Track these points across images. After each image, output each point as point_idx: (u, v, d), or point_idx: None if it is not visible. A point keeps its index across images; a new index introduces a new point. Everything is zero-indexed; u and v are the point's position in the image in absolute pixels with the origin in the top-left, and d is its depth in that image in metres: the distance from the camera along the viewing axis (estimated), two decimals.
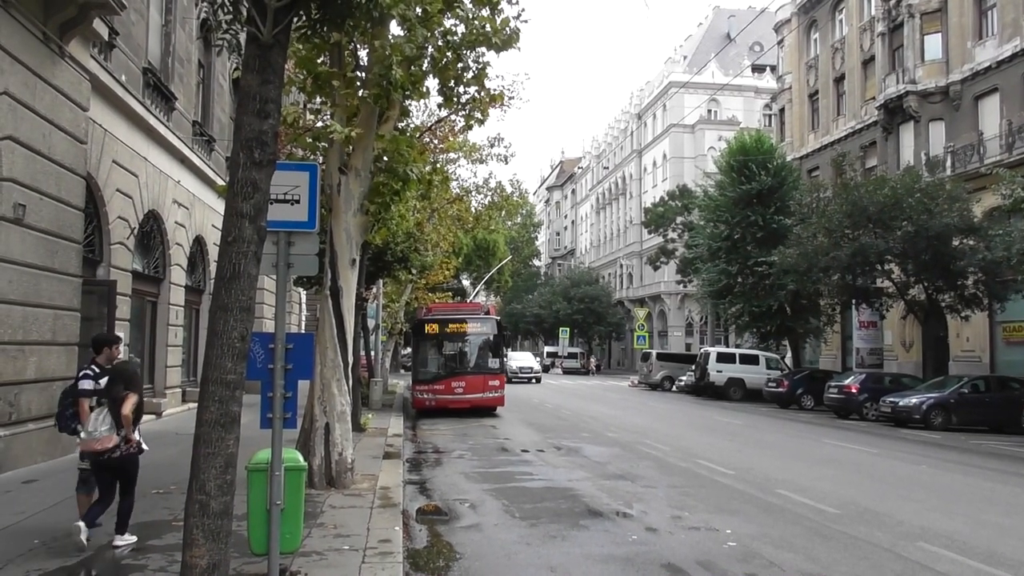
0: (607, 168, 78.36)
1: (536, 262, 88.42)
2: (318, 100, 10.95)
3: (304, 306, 37.10)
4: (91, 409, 6.43)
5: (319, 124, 11.51)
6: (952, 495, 10.52)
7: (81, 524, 6.19)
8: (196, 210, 18.78)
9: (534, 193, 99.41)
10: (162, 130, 15.61)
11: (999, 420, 20.15)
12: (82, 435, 6.45)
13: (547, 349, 65.70)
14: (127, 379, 6.54)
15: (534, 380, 41.89)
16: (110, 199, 13.53)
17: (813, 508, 9.24)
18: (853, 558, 7.05)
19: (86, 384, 6.52)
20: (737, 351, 35.37)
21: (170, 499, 8.19)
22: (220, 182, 18.02)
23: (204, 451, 3.29)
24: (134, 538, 6.48)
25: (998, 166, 22.29)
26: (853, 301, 27.81)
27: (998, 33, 27.01)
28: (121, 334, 13.80)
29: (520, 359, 44.89)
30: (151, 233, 16.43)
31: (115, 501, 6.52)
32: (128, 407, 6.32)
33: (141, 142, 14.94)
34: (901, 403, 21.32)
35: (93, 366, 6.69)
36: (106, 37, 12.45)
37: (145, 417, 10.07)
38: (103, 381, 6.53)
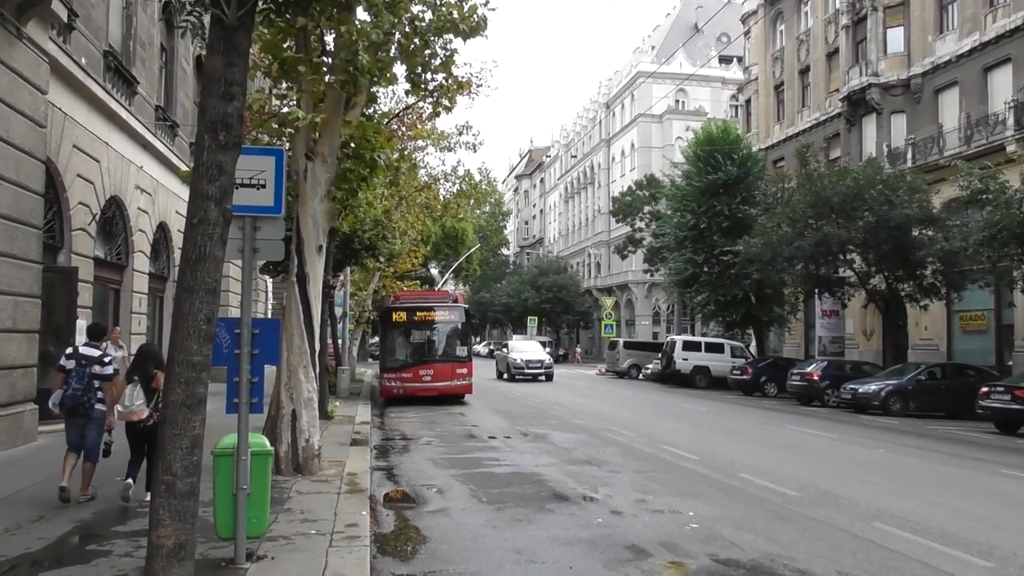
0: (575, 157, 78.59)
1: (505, 251, 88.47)
2: (284, 85, 10.86)
3: (270, 294, 36.76)
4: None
5: (285, 109, 11.42)
6: (908, 478, 10.82)
7: (129, 481, 7.58)
8: (159, 196, 18.50)
9: (503, 182, 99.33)
10: (124, 114, 15.34)
11: (955, 406, 20.69)
12: (120, 408, 7.58)
13: (515, 338, 65.88)
14: (157, 359, 7.72)
15: (543, 378, 32.13)
16: (71, 184, 13.28)
17: (774, 491, 9.45)
18: (811, 538, 7.24)
19: (110, 369, 7.80)
20: (703, 339, 35.81)
21: (134, 486, 8.12)
22: (184, 168, 17.76)
23: (170, 432, 3.29)
24: None
25: (957, 158, 22.78)
26: (816, 290, 28.32)
27: (958, 28, 27.57)
28: (83, 321, 13.61)
29: (524, 350, 34.40)
30: (113, 219, 16.16)
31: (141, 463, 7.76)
32: (161, 382, 6.86)
33: (102, 127, 14.66)
34: (861, 390, 21.79)
35: (106, 351, 8.09)
36: (65, 19, 12.18)
37: None
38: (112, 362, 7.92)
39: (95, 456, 7.78)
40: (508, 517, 7.92)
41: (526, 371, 32.02)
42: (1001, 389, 17.61)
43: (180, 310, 3.42)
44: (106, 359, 7.81)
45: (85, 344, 8.05)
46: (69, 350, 8.00)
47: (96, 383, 7.65)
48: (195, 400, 3.37)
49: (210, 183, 3.52)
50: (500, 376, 34.17)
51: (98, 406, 7.70)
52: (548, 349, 39.07)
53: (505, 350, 34.90)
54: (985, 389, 18.00)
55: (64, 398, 7.59)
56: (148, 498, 6.72)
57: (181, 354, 3.36)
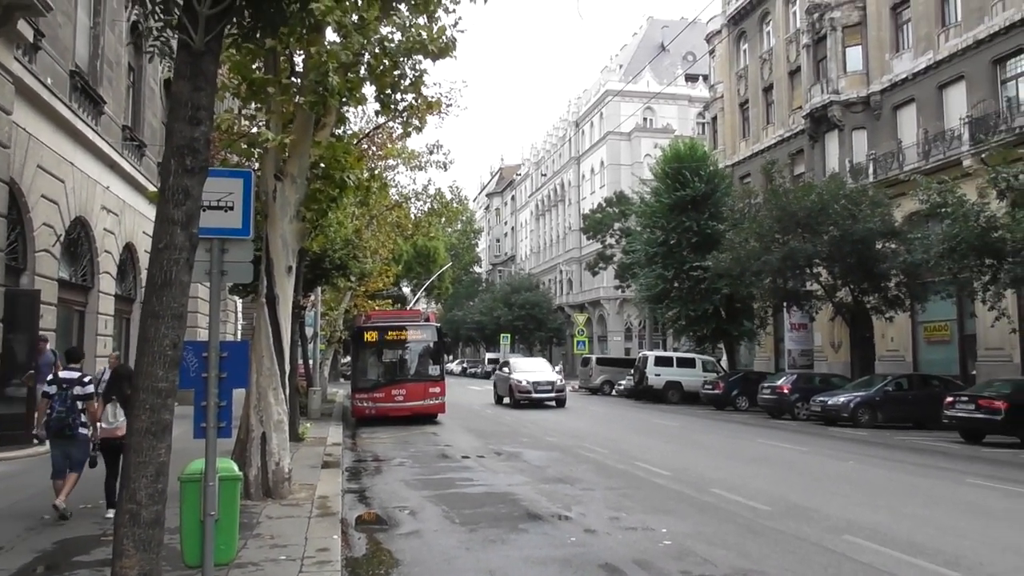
0: (545, 175, 79.00)
1: (477, 268, 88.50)
2: (253, 106, 10.82)
3: (240, 314, 36.36)
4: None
5: (254, 130, 11.37)
6: (876, 489, 10.95)
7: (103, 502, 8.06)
8: (126, 216, 18.27)
9: (474, 200, 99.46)
10: (90, 134, 15.17)
11: (921, 416, 21.01)
12: (103, 425, 8.08)
13: (488, 355, 65.76)
14: (131, 379, 8.19)
15: (553, 403, 27.13)
16: (34, 205, 13.08)
17: (745, 506, 9.52)
18: (782, 552, 7.30)
19: (90, 388, 8.24)
20: (674, 355, 36.04)
21: (97, 514, 7.97)
22: (151, 188, 17.55)
23: (135, 460, 3.24)
24: None
25: (916, 173, 23.30)
26: (784, 304, 28.68)
27: (913, 46, 28.30)
28: (46, 344, 13.37)
29: (529, 369, 28.67)
30: (78, 240, 15.92)
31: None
32: None
33: (68, 147, 14.48)
34: (830, 402, 22.06)
35: (83, 373, 8.43)
36: (31, 39, 12.06)
37: None
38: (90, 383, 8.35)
39: (80, 468, 8.22)
40: (481, 538, 7.88)
41: (533, 395, 26.79)
42: (965, 399, 17.94)
43: (146, 335, 3.38)
44: (85, 379, 8.28)
45: (65, 368, 8.63)
46: (50, 377, 8.71)
47: (80, 404, 8.08)
48: (160, 427, 3.33)
49: (176, 207, 3.50)
50: (499, 401, 29.02)
51: (81, 430, 8.13)
52: (558, 368, 32.55)
53: (506, 370, 28.99)
54: (950, 399, 18.33)
55: (50, 421, 8.06)
56: (109, 515, 7.27)
57: (146, 380, 3.32)
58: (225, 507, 5.63)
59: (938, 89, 27.04)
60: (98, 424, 8.20)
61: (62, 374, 8.30)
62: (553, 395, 27.08)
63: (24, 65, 12.11)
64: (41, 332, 12.91)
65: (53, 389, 8.10)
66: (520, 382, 27.16)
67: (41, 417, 8.39)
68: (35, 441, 12.54)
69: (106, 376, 10.51)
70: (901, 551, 7.29)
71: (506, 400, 28.26)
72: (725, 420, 23.82)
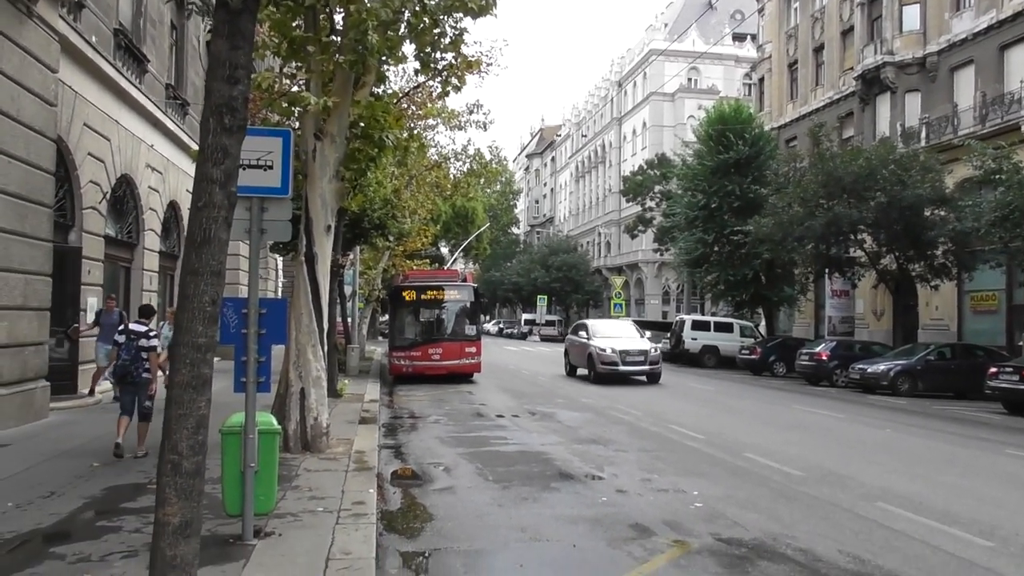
0: (586, 136, 78.16)
1: (515, 230, 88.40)
2: (293, 64, 10.84)
3: (281, 272, 36.91)
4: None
5: (295, 88, 11.41)
6: (913, 458, 10.84)
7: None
8: (170, 175, 18.57)
9: (513, 160, 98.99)
10: (134, 93, 15.37)
11: (963, 386, 20.65)
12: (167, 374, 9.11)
13: (525, 316, 66.02)
14: None
15: (645, 378, 22.19)
16: (81, 163, 13.36)
17: (779, 471, 9.50)
18: (814, 518, 7.29)
19: (155, 342, 9.09)
20: (712, 319, 35.79)
21: (144, 463, 8.28)
22: (194, 146, 17.75)
23: (176, 412, 3.35)
24: None
25: (971, 138, 22.56)
26: (826, 270, 28.20)
27: (975, 5, 27.13)
28: (94, 299, 13.77)
29: (614, 334, 23.24)
30: (124, 198, 16.25)
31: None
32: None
33: (113, 105, 14.70)
34: (869, 370, 21.77)
35: (150, 328, 9.21)
36: None
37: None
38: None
39: (148, 417, 8.96)
40: (514, 495, 8.00)
41: (620, 368, 21.43)
42: (1010, 370, 17.56)
43: (185, 292, 3.47)
44: (151, 333, 9.07)
45: (135, 321, 9.47)
46: (122, 326, 9.63)
47: (144, 354, 8.89)
48: (200, 381, 3.43)
49: (215, 166, 3.55)
50: (572, 373, 24.09)
51: (144, 374, 8.94)
52: (648, 334, 25.58)
53: (582, 335, 23.47)
54: (994, 370, 17.96)
55: (115, 367, 9.02)
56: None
57: (186, 335, 3.41)
58: (264, 459, 5.81)
59: (999, 50, 25.96)
60: (161, 374, 9.07)
61: (132, 326, 9.16)
62: (646, 368, 21.65)
63: (69, 23, 12.28)
64: (108, 292, 13.33)
65: (122, 339, 8.99)
66: (604, 351, 21.59)
67: (111, 363, 9.38)
68: (87, 392, 13.07)
69: (165, 331, 12.52)
70: (936, 520, 7.23)
71: (581, 371, 23.24)
72: (761, 386, 23.67)
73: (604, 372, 21.51)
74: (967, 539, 6.65)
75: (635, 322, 42.24)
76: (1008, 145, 19.91)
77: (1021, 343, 23.54)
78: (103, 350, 12.52)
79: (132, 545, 5.48)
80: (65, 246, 13.02)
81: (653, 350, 22.16)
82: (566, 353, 25.24)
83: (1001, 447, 12.22)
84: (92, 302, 13.83)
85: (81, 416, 11.63)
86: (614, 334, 23.07)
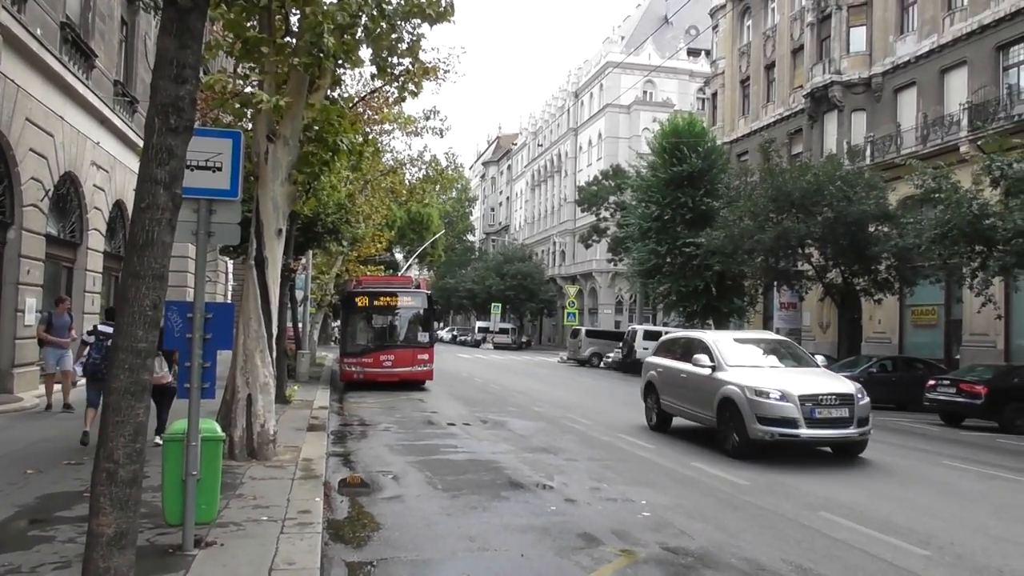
0: (542, 145, 78.59)
1: (470, 237, 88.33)
2: (246, 65, 10.68)
3: (231, 275, 36.26)
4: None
5: (247, 89, 11.24)
6: (856, 469, 11.08)
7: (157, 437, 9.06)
8: (117, 173, 18.11)
9: (470, 168, 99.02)
10: (81, 89, 14.97)
11: (904, 398, 21.20)
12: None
13: (479, 324, 65.93)
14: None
15: (846, 448, 11.60)
16: (23, 159, 12.95)
17: (726, 480, 9.63)
18: (759, 527, 7.40)
19: None
20: (663, 329, 36.13)
21: (81, 470, 8.00)
22: (142, 145, 17.42)
23: (113, 419, 3.25)
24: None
25: (913, 157, 23.28)
26: (775, 283, 28.76)
27: (918, 29, 28.10)
28: (32, 300, 13.33)
29: (763, 360, 12.73)
30: (67, 196, 15.80)
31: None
32: (175, 356, 8.76)
33: (58, 100, 14.30)
34: None
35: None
36: None
37: (57, 387, 11.02)
38: None
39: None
40: (463, 504, 7.96)
41: (803, 432, 10.99)
42: (947, 383, 18.12)
43: (126, 295, 3.37)
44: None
45: (103, 323, 10.29)
46: (90, 327, 10.47)
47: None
48: (139, 387, 3.33)
49: (159, 167, 3.46)
50: (664, 423, 14.24)
51: None
52: (510, 336, 19.92)
53: (703, 362, 12.39)
54: (932, 382, 18.51)
55: (86, 366, 9.90)
56: (158, 440, 8.53)
57: (126, 340, 3.31)
58: (207, 467, 5.68)
59: (940, 73, 26.92)
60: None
61: (101, 327, 9.84)
62: (852, 432, 11.28)
63: (12, 15, 11.92)
64: (28, 286, 12.86)
65: (92, 339, 9.79)
66: (763, 396, 11.13)
67: (77, 360, 10.58)
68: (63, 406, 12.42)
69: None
70: (875, 529, 7.40)
71: (686, 423, 13.93)
72: None
73: (765, 437, 11.03)
74: (905, 548, 6.82)
75: (587, 331, 42.61)
76: (947, 165, 20.59)
77: (958, 356, 24.34)
78: (53, 355, 12.14)
79: (65, 556, 5.29)
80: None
81: (859, 394, 11.69)
82: (649, 390, 14.70)
83: (938, 458, 12.58)
84: (31, 303, 13.38)
85: (15, 421, 11.22)
86: (762, 360, 12.79)
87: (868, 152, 28.53)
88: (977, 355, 22.95)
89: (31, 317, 13.24)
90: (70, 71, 14.42)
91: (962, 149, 23.78)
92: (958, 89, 26.02)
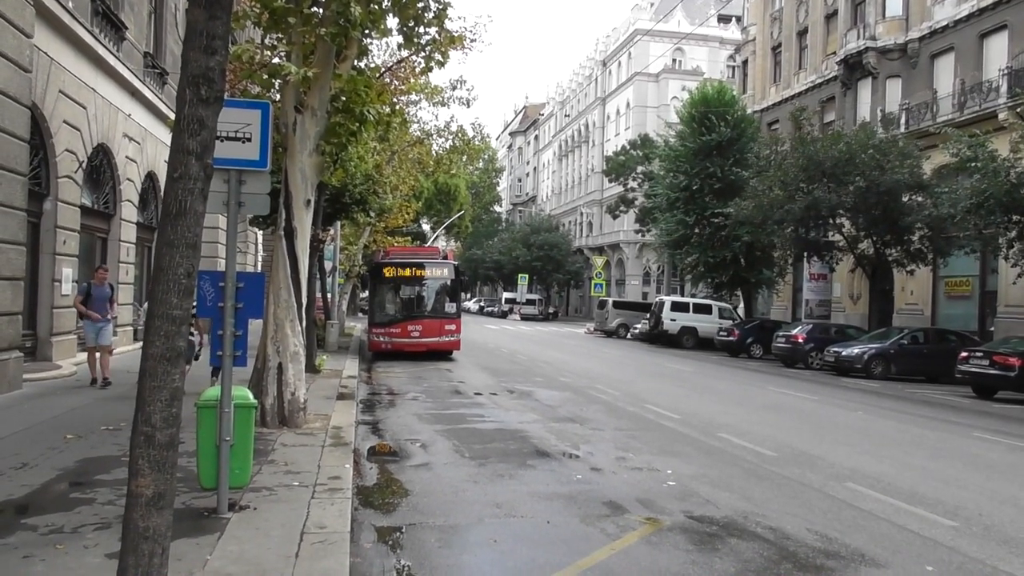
0: (570, 115, 77.90)
1: (497, 208, 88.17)
2: (273, 36, 10.70)
3: (260, 246, 36.63)
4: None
5: (275, 60, 11.27)
6: (883, 440, 11.04)
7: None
8: (148, 145, 18.32)
9: (496, 138, 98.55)
10: (112, 60, 15.11)
11: (935, 370, 21.01)
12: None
13: (505, 295, 66.08)
14: None
15: None
16: (57, 131, 13.15)
17: (752, 451, 9.65)
18: (784, 497, 7.42)
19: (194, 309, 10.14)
20: (691, 300, 36.02)
21: (119, 435, 8.23)
22: (172, 117, 17.56)
23: (150, 384, 3.34)
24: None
25: (949, 125, 22.78)
26: (805, 254, 28.46)
27: None
28: (69, 270, 13.62)
29: None
30: (101, 167, 16.03)
31: None
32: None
33: (89, 72, 14.45)
34: (844, 353, 22.07)
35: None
36: None
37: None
38: None
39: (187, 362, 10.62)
40: (490, 472, 8.07)
41: None
42: (980, 355, 17.89)
43: (160, 264, 3.44)
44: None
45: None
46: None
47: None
48: (174, 353, 3.41)
49: (191, 137, 3.50)
50: None
51: (190, 336, 9.61)
52: (537, 307, 22.25)
53: None
54: (964, 354, 18.28)
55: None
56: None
57: (161, 307, 3.39)
58: (240, 433, 5.81)
59: (979, 38, 26.16)
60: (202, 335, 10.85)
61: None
62: None
63: None
64: (86, 263, 13.12)
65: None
66: None
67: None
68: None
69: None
70: (902, 500, 7.39)
71: None
72: (738, 367, 23.93)
73: None
74: (932, 519, 6.80)
75: (614, 302, 42.49)
76: (984, 133, 20.13)
77: (992, 328, 23.95)
78: (92, 328, 11.74)
79: (105, 517, 5.47)
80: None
81: None
82: None
83: (969, 430, 12.48)
84: (67, 273, 13.67)
85: (56, 389, 11.54)
86: None
87: (903, 120, 27.92)
88: (1012, 327, 22.57)
89: (67, 287, 13.52)
90: (101, 43, 14.55)
91: (1000, 116, 23.17)
92: (997, 54, 25.28)
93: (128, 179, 17.04)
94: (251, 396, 6.15)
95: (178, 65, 19.30)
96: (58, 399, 10.56)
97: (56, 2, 12.47)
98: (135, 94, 16.92)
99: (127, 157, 16.93)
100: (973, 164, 18.89)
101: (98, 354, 11.85)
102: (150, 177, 18.87)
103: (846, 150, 23.43)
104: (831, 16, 33.93)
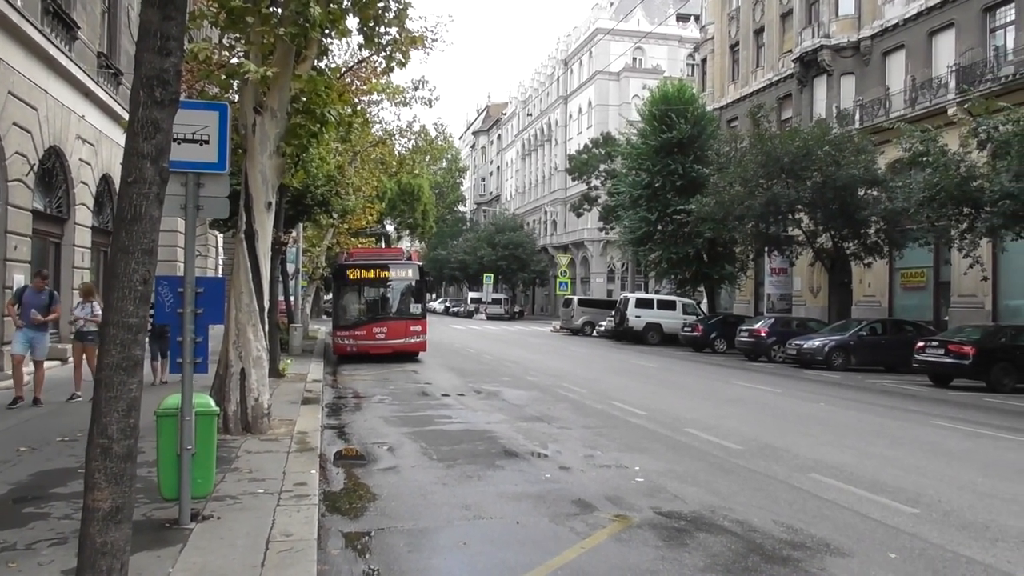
0: (532, 114, 78.05)
1: (461, 207, 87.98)
2: (231, 36, 10.52)
3: (221, 250, 36.07)
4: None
5: (233, 60, 11.08)
6: (845, 430, 11.24)
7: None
8: (103, 147, 17.90)
9: (460, 138, 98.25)
10: (64, 61, 14.72)
11: (893, 360, 21.45)
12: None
13: (471, 295, 66.00)
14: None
15: None
16: (6, 133, 12.78)
17: (717, 445, 9.74)
18: (750, 489, 7.50)
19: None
20: (655, 297, 36.33)
21: (76, 447, 8.01)
22: (128, 118, 17.19)
23: (106, 395, 3.25)
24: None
25: (901, 120, 23.25)
26: (765, 249, 28.88)
27: None
28: (20, 276, 13.24)
29: None
30: (53, 170, 15.62)
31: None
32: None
33: (40, 73, 14.07)
34: (805, 345, 22.44)
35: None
36: None
37: (50, 363, 10.86)
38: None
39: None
40: (458, 474, 8.03)
41: None
42: (935, 344, 18.32)
43: (115, 271, 3.34)
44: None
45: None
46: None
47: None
48: (131, 362, 3.32)
49: (145, 140, 3.42)
50: None
51: None
52: (503, 307, 23.27)
53: None
54: (921, 344, 18.71)
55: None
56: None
57: (116, 315, 3.30)
58: (202, 441, 5.69)
59: (928, 36, 26.80)
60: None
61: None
62: None
63: None
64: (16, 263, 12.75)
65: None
66: None
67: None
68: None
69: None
70: (864, 489, 7.52)
71: None
72: (703, 362, 24.18)
73: None
74: (894, 507, 6.93)
75: (580, 300, 42.61)
76: (935, 128, 20.60)
77: (947, 318, 24.55)
78: (22, 337, 10.75)
79: (61, 532, 5.32)
80: None
81: None
82: None
83: (926, 418, 12.76)
84: (19, 279, 13.29)
85: (3, 397, 11.20)
86: None
87: (857, 116, 28.48)
88: (965, 316, 23.16)
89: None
90: (52, 43, 14.16)
91: (950, 112, 23.76)
92: (946, 52, 25.93)
93: (82, 182, 16.64)
94: (213, 403, 6.03)
95: (132, 66, 18.98)
96: (6, 411, 10.26)
97: (4, 1, 12.11)
98: (89, 95, 16.52)
99: (81, 160, 16.53)
100: (925, 159, 19.32)
101: (27, 368, 10.86)
102: (105, 180, 18.45)
103: (803, 146, 23.83)
104: (787, 15, 34.46)
